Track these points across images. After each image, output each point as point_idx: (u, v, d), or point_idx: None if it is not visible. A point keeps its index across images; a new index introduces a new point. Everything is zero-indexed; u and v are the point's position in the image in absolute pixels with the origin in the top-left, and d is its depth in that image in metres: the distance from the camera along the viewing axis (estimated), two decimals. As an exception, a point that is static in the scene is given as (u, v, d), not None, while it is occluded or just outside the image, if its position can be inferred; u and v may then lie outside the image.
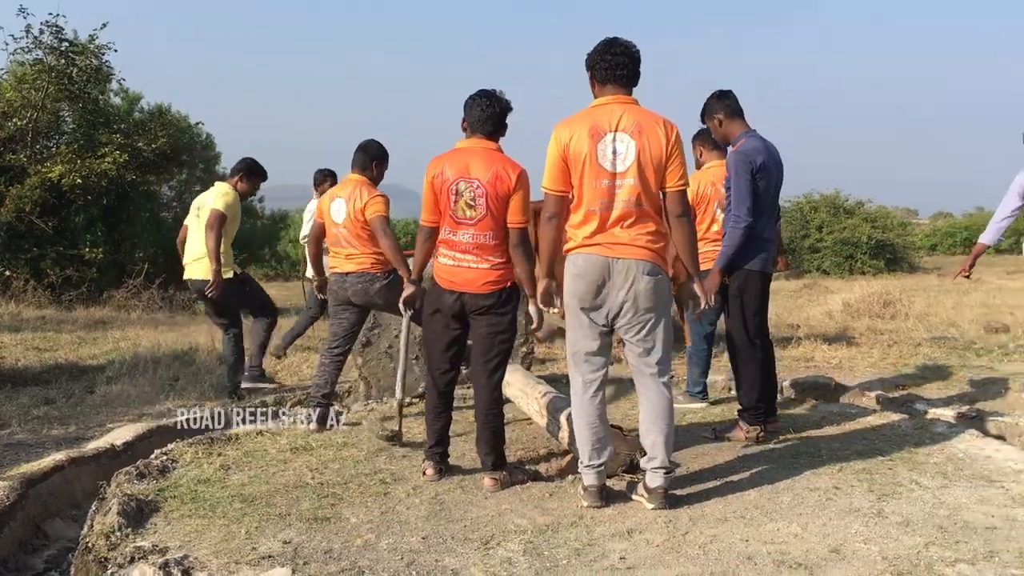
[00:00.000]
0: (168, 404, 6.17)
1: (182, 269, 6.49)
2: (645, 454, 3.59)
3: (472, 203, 3.78)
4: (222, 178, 7.52)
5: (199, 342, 8.73)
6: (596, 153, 3.42)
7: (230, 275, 6.20)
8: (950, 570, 2.85)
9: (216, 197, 6.19)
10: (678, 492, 3.65)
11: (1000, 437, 4.84)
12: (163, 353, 8.15)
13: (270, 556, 3.03)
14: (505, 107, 3.91)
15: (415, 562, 3.00)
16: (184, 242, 6.49)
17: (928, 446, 4.41)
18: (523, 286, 3.91)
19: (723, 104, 4.70)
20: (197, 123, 21.21)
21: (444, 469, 4.03)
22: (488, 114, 3.86)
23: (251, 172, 6.48)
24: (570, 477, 3.95)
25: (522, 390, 5.09)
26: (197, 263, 6.24)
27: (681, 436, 4.57)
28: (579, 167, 3.45)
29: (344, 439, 4.77)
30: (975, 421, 5.14)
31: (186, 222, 6.52)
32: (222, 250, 6.08)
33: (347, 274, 5.10)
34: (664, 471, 3.50)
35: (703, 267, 4.14)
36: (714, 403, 5.71)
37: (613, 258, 3.43)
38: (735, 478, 3.92)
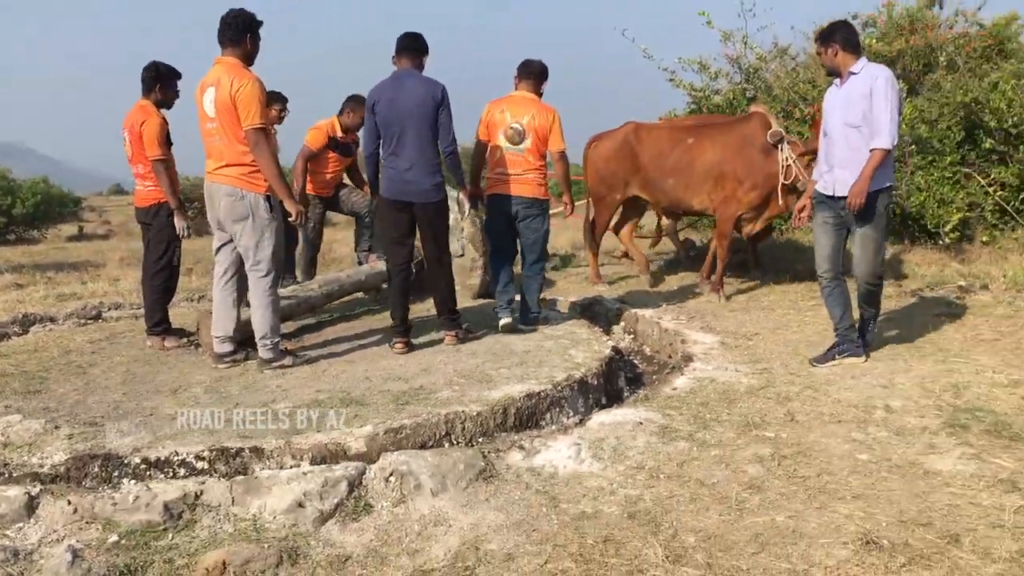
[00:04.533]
0: None
1: None
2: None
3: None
4: None
5: None
6: (202, 102, 4.47)
7: None
8: (494, 372, 4.47)
9: None
10: (324, 350, 4.96)
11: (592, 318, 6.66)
12: None
13: (-3, 414, 3.87)
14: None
15: (119, 407, 4.02)
16: None
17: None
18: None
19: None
20: None
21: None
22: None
23: None
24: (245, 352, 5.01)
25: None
26: None
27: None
28: (198, 114, 4.56)
29: (34, 346, 5.46)
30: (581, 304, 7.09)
31: None
32: None
33: None
34: (263, 346, 4.61)
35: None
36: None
37: (210, 183, 4.54)
38: (376, 348, 5.18)
